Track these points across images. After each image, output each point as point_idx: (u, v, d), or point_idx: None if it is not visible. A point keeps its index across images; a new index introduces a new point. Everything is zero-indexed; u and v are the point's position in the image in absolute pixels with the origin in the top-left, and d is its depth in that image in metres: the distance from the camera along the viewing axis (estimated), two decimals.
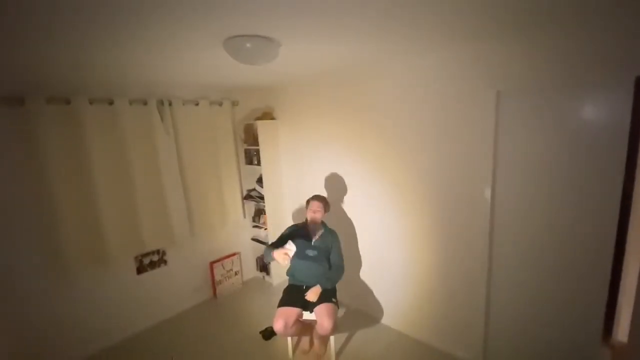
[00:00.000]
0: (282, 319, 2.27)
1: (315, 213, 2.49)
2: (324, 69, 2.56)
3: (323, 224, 2.59)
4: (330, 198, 3.10)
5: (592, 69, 1.63)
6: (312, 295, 2.38)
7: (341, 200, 3.05)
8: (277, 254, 2.25)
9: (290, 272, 2.62)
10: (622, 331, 1.58)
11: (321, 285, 2.42)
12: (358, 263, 3.01)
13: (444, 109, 2.19)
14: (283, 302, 2.41)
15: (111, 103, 2.53)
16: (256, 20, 1.32)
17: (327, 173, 3.13)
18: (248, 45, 1.53)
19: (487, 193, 2.07)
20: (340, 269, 2.53)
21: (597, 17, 1.53)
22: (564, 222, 1.85)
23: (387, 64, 2.40)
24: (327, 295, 2.40)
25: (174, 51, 1.72)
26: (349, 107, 2.77)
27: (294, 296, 2.44)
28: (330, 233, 2.56)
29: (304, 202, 2.63)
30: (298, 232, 2.53)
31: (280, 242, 2.43)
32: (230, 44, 1.55)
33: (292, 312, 2.34)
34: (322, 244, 2.50)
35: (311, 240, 2.49)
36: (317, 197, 2.55)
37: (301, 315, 2.41)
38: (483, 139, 2.04)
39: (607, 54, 1.58)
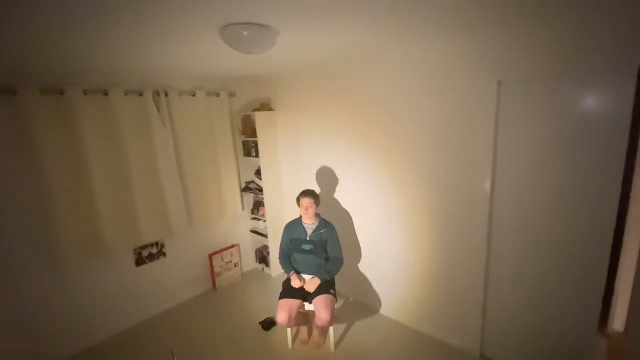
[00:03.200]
0: (286, 310, 2.29)
1: (307, 209, 2.49)
2: (323, 59, 2.51)
3: (318, 216, 2.59)
4: (329, 190, 3.10)
5: (594, 58, 1.60)
6: (310, 285, 2.40)
7: (339, 192, 3.04)
8: (293, 279, 2.46)
9: None
10: (617, 321, 1.61)
11: (319, 277, 2.43)
12: (357, 255, 3.02)
13: (443, 99, 2.16)
14: (284, 294, 2.43)
15: (106, 94, 2.49)
16: (253, 7, 1.28)
17: (325, 164, 3.11)
18: (245, 33, 1.49)
19: (487, 184, 2.06)
20: (338, 261, 2.54)
21: (599, 5, 1.50)
22: (562, 213, 1.85)
23: (386, 54, 2.36)
24: (326, 287, 2.42)
25: (168, 39, 1.67)
26: (347, 99, 2.74)
27: (294, 288, 2.45)
28: (326, 225, 2.56)
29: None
30: (294, 230, 2.57)
31: (287, 249, 2.60)
32: (226, 32, 1.51)
33: (294, 303, 2.36)
34: (317, 237, 2.51)
35: (306, 235, 2.51)
36: (306, 193, 2.53)
37: (302, 306, 2.44)
38: (483, 129, 2.01)
39: (609, 43, 1.55)
